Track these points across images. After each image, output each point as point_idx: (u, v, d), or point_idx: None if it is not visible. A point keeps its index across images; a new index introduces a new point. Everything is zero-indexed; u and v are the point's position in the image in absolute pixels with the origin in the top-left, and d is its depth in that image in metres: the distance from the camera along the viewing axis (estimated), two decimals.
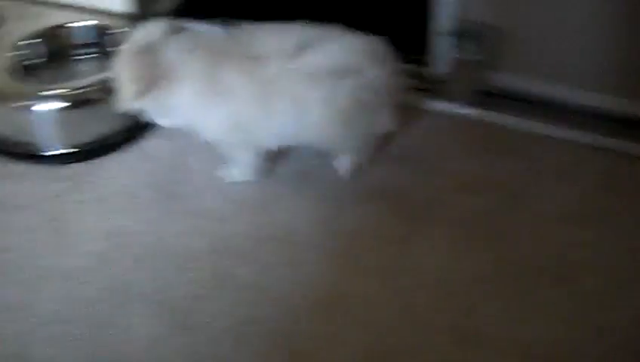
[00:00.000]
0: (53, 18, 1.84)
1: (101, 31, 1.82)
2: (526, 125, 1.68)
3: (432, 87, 1.78)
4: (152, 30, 1.41)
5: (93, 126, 1.65)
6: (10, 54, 1.71)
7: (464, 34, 1.69)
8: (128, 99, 1.40)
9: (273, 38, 1.41)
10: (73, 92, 1.62)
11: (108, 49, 1.72)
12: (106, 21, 1.82)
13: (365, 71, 1.40)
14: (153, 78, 1.37)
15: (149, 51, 1.38)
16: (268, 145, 1.50)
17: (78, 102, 1.62)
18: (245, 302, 1.31)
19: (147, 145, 1.67)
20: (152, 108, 1.44)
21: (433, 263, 1.37)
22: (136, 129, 1.67)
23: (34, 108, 1.60)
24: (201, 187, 1.56)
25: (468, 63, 1.72)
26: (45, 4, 1.92)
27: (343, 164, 1.56)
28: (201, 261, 1.39)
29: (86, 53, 1.85)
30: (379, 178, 1.57)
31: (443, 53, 1.74)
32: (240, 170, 1.55)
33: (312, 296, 1.32)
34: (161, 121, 1.48)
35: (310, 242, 1.43)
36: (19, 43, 1.75)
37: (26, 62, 1.75)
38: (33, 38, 1.78)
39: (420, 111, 1.75)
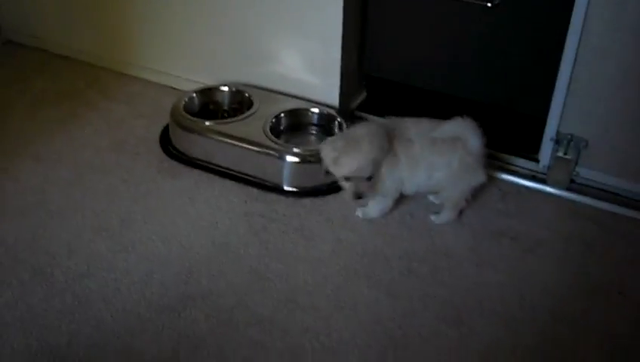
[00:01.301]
0: (287, 104, 2.76)
1: (324, 117, 2.74)
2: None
3: (540, 176, 2.63)
4: (373, 125, 2.33)
5: (316, 175, 2.51)
6: (267, 123, 2.62)
7: (562, 141, 2.55)
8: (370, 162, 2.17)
9: (416, 127, 2.28)
10: (305, 153, 2.50)
11: (329, 129, 2.69)
12: (328, 111, 2.74)
13: (469, 142, 2.24)
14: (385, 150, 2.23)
15: (380, 134, 2.24)
16: (407, 192, 2.35)
17: (307, 159, 2.50)
18: None
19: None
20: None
21: None
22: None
23: (282, 158, 2.50)
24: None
25: (564, 161, 2.57)
26: (280, 93, 2.85)
27: (443, 217, 2.39)
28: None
29: (313, 129, 2.78)
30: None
31: (548, 153, 2.60)
32: (379, 208, 2.38)
33: None
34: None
35: None
36: (272, 116, 2.66)
37: (276, 129, 2.66)
38: (281, 114, 2.70)
39: (529, 190, 2.59)
